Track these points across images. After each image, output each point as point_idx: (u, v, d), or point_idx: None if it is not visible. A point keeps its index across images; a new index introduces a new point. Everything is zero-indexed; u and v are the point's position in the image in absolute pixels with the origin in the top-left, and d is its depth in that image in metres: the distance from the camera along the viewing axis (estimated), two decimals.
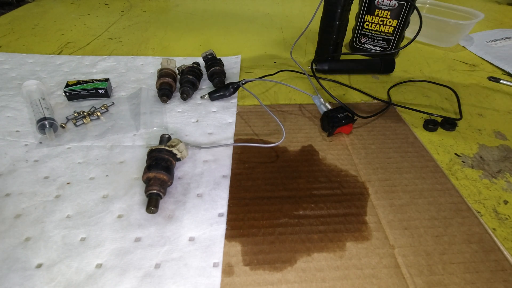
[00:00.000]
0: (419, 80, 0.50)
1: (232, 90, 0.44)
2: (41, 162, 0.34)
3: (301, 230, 0.27)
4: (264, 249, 0.26)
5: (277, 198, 0.30)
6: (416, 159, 0.35)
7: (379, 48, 0.56)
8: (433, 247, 0.26)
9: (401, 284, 0.24)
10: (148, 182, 0.29)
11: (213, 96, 0.44)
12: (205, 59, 0.49)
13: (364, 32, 0.56)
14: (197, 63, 0.48)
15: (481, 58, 0.59)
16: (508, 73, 0.54)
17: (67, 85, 0.43)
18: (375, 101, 0.45)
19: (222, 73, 0.47)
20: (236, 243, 0.26)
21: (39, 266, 0.25)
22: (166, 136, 0.35)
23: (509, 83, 0.49)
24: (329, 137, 0.38)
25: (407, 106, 0.43)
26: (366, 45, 0.57)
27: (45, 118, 0.37)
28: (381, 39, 0.55)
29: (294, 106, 0.44)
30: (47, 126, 0.37)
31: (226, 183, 0.32)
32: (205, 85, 0.48)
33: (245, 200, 0.30)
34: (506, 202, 0.30)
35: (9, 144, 0.36)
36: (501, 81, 0.49)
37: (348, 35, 0.57)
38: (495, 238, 0.27)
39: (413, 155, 0.35)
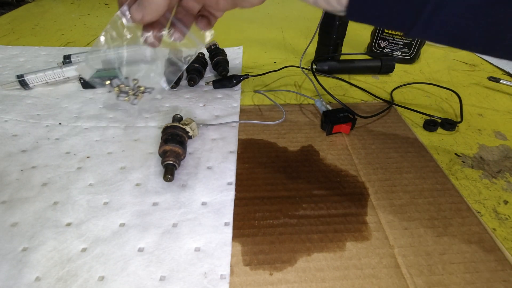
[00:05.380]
0: (422, 83, 0.50)
1: (234, 82, 0.47)
2: (61, 140, 0.37)
3: (301, 230, 0.27)
4: (264, 249, 0.26)
5: (277, 198, 0.30)
6: (416, 159, 0.35)
7: (399, 53, 0.55)
8: (433, 247, 0.26)
9: (401, 284, 0.24)
10: (164, 154, 0.31)
11: (216, 85, 0.47)
12: (209, 49, 0.52)
13: (384, 36, 0.55)
14: (202, 53, 0.51)
15: (481, 58, 0.59)
16: (508, 73, 0.54)
17: None
18: (375, 101, 0.45)
19: (226, 62, 0.50)
20: (236, 243, 0.26)
21: (68, 224, 0.27)
22: (178, 116, 0.37)
23: (509, 83, 0.49)
24: (330, 137, 0.38)
25: (407, 107, 0.43)
26: (385, 50, 0.56)
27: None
28: (402, 44, 0.54)
29: (294, 106, 0.44)
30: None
31: (234, 157, 0.35)
32: (210, 74, 0.51)
33: (245, 200, 0.30)
34: (506, 202, 0.30)
35: (32, 125, 0.39)
36: (501, 81, 0.49)
37: (367, 38, 0.56)
38: (495, 238, 0.27)
39: (413, 155, 0.35)
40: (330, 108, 0.40)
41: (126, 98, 0.37)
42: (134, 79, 0.37)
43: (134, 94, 0.38)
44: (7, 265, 0.24)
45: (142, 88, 0.38)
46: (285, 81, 0.50)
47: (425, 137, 0.38)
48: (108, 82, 0.36)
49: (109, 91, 0.38)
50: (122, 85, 0.36)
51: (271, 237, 0.27)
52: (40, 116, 0.41)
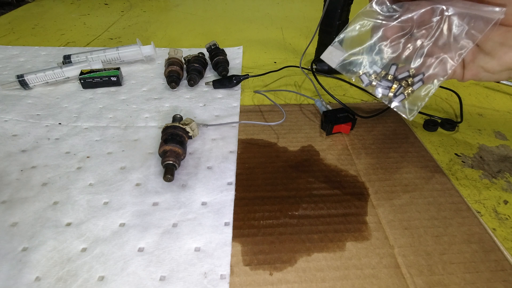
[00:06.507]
0: None
1: (234, 82, 0.47)
2: (61, 140, 0.37)
3: (301, 230, 0.27)
4: (264, 249, 0.26)
5: (277, 198, 0.30)
6: (416, 159, 0.35)
7: None
8: (433, 247, 0.26)
9: (401, 284, 0.24)
10: (164, 154, 0.31)
11: (216, 85, 0.47)
12: (209, 49, 0.52)
13: None
14: (202, 53, 0.51)
15: None
16: None
17: (81, 73, 0.46)
18: (375, 101, 0.45)
19: (226, 62, 0.50)
20: (236, 243, 0.26)
21: (68, 224, 0.27)
22: (178, 116, 0.37)
23: (509, 83, 0.49)
24: (329, 137, 0.38)
25: None
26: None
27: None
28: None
29: (294, 106, 0.44)
30: None
31: (234, 157, 0.35)
32: (210, 74, 0.51)
33: (245, 200, 0.30)
34: (506, 202, 0.30)
35: (31, 125, 0.39)
36: (501, 81, 0.49)
37: None
38: (495, 238, 0.27)
39: (413, 155, 0.35)
40: (330, 108, 0.40)
41: (392, 88, 0.27)
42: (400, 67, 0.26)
43: (400, 86, 0.27)
44: (7, 265, 0.24)
45: (410, 80, 0.26)
46: (285, 81, 0.50)
47: (425, 137, 0.38)
48: (361, 71, 0.28)
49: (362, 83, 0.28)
50: (383, 73, 0.27)
51: (271, 237, 0.27)
52: (40, 116, 0.41)
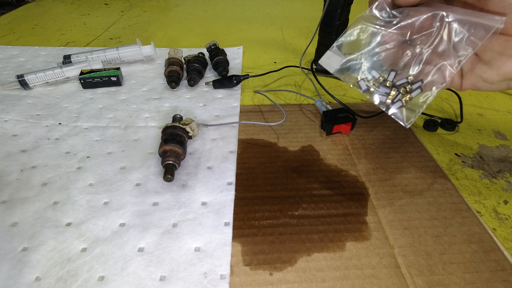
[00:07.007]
0: None
1: (234, 82, 0.47)
2: (61, 140, 0.37)
3: (301, 230, 0.27)
4: (264, 249, 0.26)
5: (277, 198, 0.30)
6: (416, 159, 0.35)
7: None
8: (433, 247, 0.26)
9: (401, 284, 0.24)
10: (164, 154, 0.31)
11: (216, 85, 0.47)
12: (209, 49, 0.52)
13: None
14: (202, 53, 0.51)
15: None
16: None
17: (82, 73, 0.46)
18: None
19: (226, 62, 0.50)
20: (236, 243, 0.26)
21: (68, 224, 0.27)
22: (178, 116, 0.37)
23: None
24: (330, 137, 0.38)
25: None
26: None
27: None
28: None
29: (294, 106, 0.44)
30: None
31: (234, 157, 0.35)
32: (210, 74, 0.51)
33: (245, 200, 0.30)
34: (506, 202, 0.30)
35: (31, 125, 0.39)
36: None
37: None
38: (495, 238, 0.27)
39: (413, 155, 0.35)
40: (330, 108, 0.40)
41: (390, 95, 0.26)
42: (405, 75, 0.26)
43: (398, 93, 0.26)
44: (7, 265, 0.24)
45: (408, 87, 0.26)
46: (285, 81, 0.50)
47: (425, 137, 0.38)
48: (360, 76, 0.27)
49: (359, 88, 0.28)
50: (381, 79, 0.27)
51: (271, 237, 0.27)
52: (40, 116, 0.41)
